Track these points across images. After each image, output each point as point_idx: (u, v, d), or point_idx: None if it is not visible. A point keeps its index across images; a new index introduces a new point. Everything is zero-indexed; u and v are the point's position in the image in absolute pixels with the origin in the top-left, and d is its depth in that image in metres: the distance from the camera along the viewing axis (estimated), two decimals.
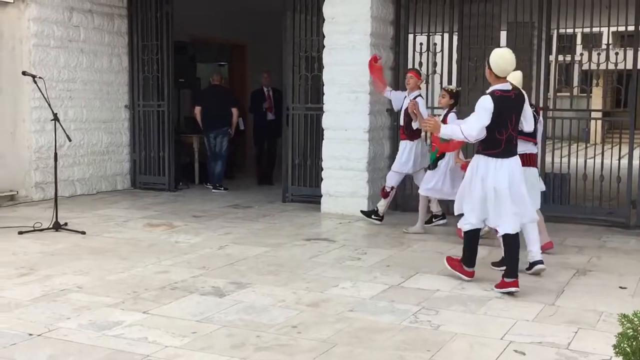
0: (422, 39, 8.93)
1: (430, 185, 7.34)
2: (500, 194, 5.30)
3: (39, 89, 7.48)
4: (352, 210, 8.40)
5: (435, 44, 8.86)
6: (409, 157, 7.78)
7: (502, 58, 5.27)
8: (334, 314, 4.75)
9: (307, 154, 9.30)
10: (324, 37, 8.75)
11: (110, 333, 4.32)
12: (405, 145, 7.83)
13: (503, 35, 12.52)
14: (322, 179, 8.78)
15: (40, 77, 7.63)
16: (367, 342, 4.22)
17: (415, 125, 7.67)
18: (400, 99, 8.01)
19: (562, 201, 8.32)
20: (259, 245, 6.85)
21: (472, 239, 5.55)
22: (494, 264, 5.95)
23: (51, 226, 7.22)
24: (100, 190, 10.20)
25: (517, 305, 4.98)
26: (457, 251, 5.96)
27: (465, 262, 5.59)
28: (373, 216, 7.99)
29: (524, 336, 4.34)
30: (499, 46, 10.22)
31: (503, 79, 5.33)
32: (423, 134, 8.00)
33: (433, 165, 7.33)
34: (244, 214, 8.63)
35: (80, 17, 9.82)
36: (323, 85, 8.79)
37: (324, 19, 8.72)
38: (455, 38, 8.93)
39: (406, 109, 7.77)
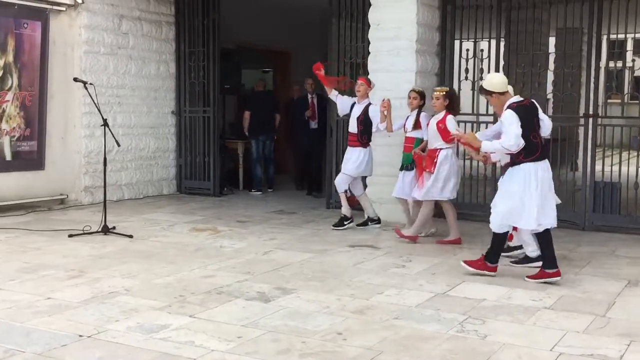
0: (468, 45, 8.86)
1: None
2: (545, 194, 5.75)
3: (90, 95, 7.64)
4: (395, 217, 8.32)
5: (482, 50, 8.76)
6: (364, 162, 7.94)
7: (494, 78, 5.94)
8: (380, 322, 4.72)
9: None
10: (369, 43, 8.74)
11: (157, 336, 4.37)
12: (359, 153, 7.91)
13: (551, 41, 12.37)
14: (365, 186, 8.74)
15: (90, 84, 7.79)
16: (414, 351, 4.18)
17: (381, 127, 7.73)
18: (347, 105, 8.06)
19: (612, 211, 8.13)
20: (304, 251, 6.87)
21: (503, 238, 6.00)
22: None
23: (100, 230, 7.36)
24: (147, 195, 10.36)
25: (566, 316, 4.88)
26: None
27: (492, 259, 5.91)
28: (370, 224, 8.07)
29: (574, 348, 4.24)
30: (547, 53, 10.14)
31: (507, 93, 5.86)
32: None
33: (410, 166, 7.49)
34: (288, 219, 8.66)
35: (129, 25, 10.02)
36: None
37: (369, 26, 8.71)
38: (502, 44, 8.83)
39: (359, 117, 7.85)
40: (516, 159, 5.70)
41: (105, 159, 7.69)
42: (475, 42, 8.83)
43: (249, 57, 12.84)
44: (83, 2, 9.33)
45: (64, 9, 9.22)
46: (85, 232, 7.34)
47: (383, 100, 7.76)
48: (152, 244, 7.09)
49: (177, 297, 5.20)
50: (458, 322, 4.70)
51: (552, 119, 6.41)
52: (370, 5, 8.65)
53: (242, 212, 9.14)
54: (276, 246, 7.09)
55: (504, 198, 5.80)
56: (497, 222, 5.82)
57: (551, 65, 9.29)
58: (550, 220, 5.75)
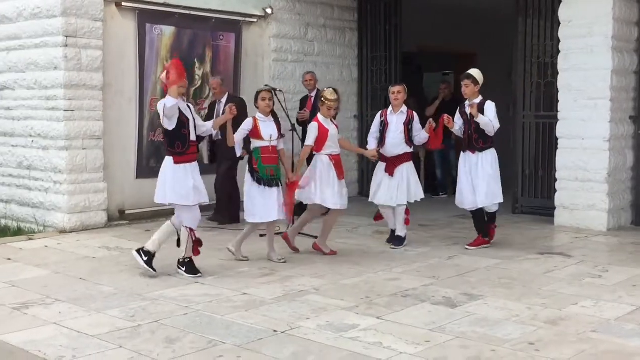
0: None
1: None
2: None
3: (279, 101, 7.95)
4: (589, 225, 7.92)
5: None
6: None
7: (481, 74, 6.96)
8: (575, 334, 4.48)
9: (539, 164, 8.92)
10: (558, 41, 8.35)
11: (346, 335, 4.47)
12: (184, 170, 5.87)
13: None
14: (555, 191, 8.36)
15: (280, 90, 8.13)
16: None
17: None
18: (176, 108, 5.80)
19: None
20: (489, 257, 6.70)
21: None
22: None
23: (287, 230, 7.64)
24: None
25: None
26: None
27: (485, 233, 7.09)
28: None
29: None
30: None
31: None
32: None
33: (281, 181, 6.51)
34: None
35: (314, 32, 10.37)
36: (557, 92, 8.39)
37: (558, 23, 8.33)
38: None
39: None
40: (484, 144, 6.87)
41: (292, 162, 7.97)
42: None
43: (430, 60, 12.76)
44: (273, 13, 9.79)
45: (255, 20, 9.73)
46: (275, 232, 7.64)
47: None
48: (337, 245, 7.24)
49: (363, 298, 5.29)
50: None
51: None
52: (560, 1, 8.27)
53: (424, 216, 9.06)
54: (460, 251, 6.99)
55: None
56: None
57: None
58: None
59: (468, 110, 6.97)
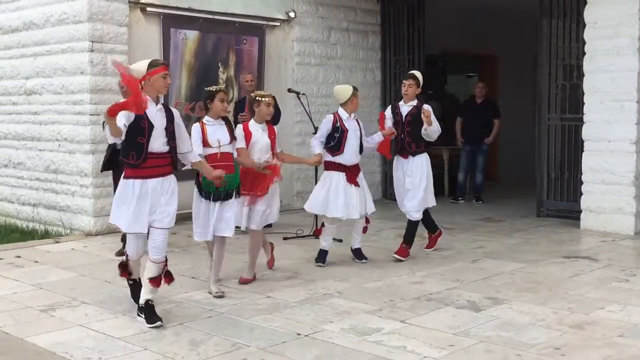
0: None
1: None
2: None
3: (302, 104, 8.01)
4: (616, 228, 7.83)
5: None
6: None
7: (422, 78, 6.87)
8: (601, 338, 4.44)
9: (565, 166, 8.84)
10: (584, 43, 8.27)
11: (370, 339, 4.46)
12: (174, 184, 4.90)
13: None
14: (581, 194, 8.28)
15: (303, 94, 8.17)
16: None
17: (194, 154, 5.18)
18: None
19: None
20: (514, 260, 6.65)
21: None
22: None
23: (311, 233, 7.68)
24: None
25: None
26: None
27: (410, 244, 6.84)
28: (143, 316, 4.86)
29: None
30: None
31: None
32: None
33: (235, 193, 5.55)
34: (497, 227, 8.44)
35: (337, 36, 10.39)
36: (583, 94, 8.31)
37: (584, 24, 8.25)
38: None
39: (167, 127, 4.79)
40: (422, 148, 6.77)
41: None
42: None
43: (454, 62, 12.72)
44: (296, 17, 9.83)
45: (278, 24, 9.77)
46: (298, 235, 7.70)
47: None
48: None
49: (387, 302, 5.28)
50: None
51: None
52: (585, 3, 8.19)
53: (447, 219, 9.01)
54: (485, 254, 6.95)
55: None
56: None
57: None
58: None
59: (404, 112, 6.77)
